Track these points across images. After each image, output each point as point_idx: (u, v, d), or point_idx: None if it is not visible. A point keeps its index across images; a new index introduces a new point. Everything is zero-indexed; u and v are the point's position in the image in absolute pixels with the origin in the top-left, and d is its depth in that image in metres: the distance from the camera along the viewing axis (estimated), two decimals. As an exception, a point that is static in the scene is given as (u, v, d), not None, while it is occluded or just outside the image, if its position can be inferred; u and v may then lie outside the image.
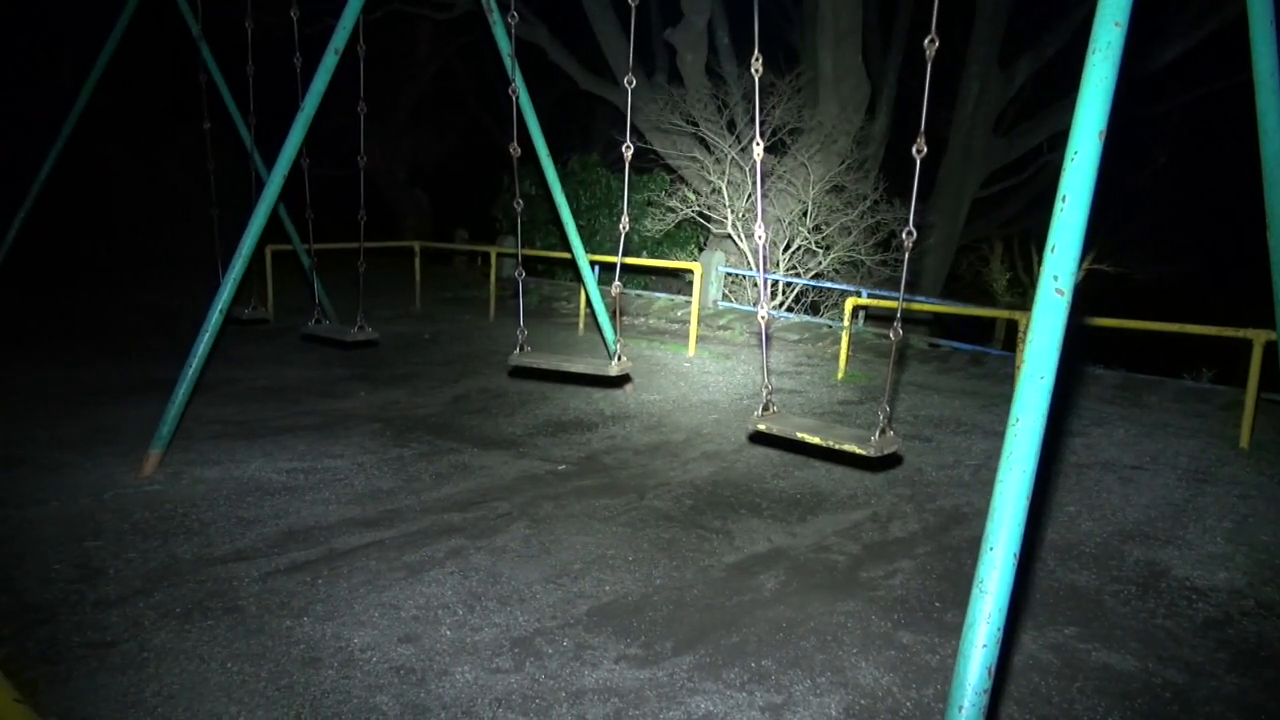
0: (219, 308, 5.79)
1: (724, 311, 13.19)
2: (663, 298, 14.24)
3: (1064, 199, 2.77)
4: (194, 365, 5.70)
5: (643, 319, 12.88)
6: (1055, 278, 2.74)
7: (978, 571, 2.60)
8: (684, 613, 4.16)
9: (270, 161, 6.11)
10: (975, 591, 2.59)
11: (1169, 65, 16.19)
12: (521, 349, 5.53)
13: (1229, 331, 7.48)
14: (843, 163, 13.53)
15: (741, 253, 13.88)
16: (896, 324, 3.82)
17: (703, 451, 6.72)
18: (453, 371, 9.07)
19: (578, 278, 8.82)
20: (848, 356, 9.65)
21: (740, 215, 13.61)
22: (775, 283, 13.62)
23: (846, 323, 9.77)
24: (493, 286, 12.98)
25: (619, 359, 5.46)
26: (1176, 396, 8.94)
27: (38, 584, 4.14)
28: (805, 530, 5.25)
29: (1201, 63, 16.82)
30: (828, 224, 13.48)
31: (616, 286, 5.51)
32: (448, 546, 4.76)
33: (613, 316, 8.56)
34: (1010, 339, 13.83)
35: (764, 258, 4.75)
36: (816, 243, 13.47)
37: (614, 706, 3.36)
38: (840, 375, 9.40)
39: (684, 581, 4.50)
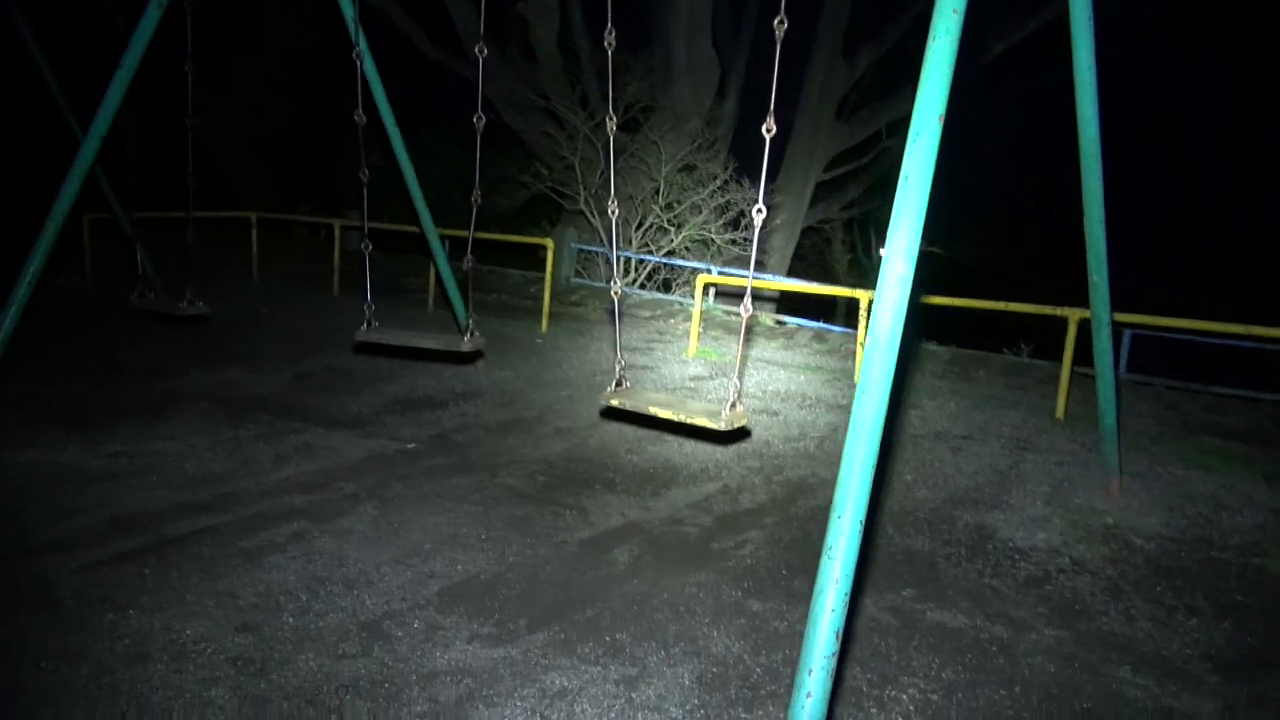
0: (27, 280, 5.31)
1: (577, 288, 13.16)
2: (515, 274, 14.07)
3: (907, 179, 2.86)
4: (-1, 342, 5.23)
5: (495, 295, 12.68)
6: (898, 255, 2.83)
7: (826, 539, 2.67)
8: (538, 590, 4.13)
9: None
10: (824, 558, 2.66)
11: (998, 61, 17.12)
12: (369, 324, 5.31)
13: (1047, 310, 8.01)
14: (694, 142, 13.69)
15: (594, 229, 13.87)
16: (747, 300, 3.85)
17: (556, 428, 6.68)
18: (294, 348, 8.66)
19: (427, 253, 8.58)
20: (699, 333, 9.81)
21: (593, 192, 13.59)
22: (628, 259, 13.68)
23: (697, 300, 9.92)
24: (336, 261, 12.47)
25: (471, 335, 5.33)
26: (1001, 370, 9.54)
27: None
28: (658, 504, 5.31)
29: (1030, 59, 17.83)
30: (679, 202, 13.64)
31: (468, 261, 5.37)
32: (289, 530, 4.55)
33: (464, 292, 8.37)
34: (851, 316, 14.40)
35: (615, 234, 4.73)
36: (669, 220, 13.60)
37: (467, 687, 3.29)
38: (691, 351, 9.54)
39: (538, 559, 4.46)
